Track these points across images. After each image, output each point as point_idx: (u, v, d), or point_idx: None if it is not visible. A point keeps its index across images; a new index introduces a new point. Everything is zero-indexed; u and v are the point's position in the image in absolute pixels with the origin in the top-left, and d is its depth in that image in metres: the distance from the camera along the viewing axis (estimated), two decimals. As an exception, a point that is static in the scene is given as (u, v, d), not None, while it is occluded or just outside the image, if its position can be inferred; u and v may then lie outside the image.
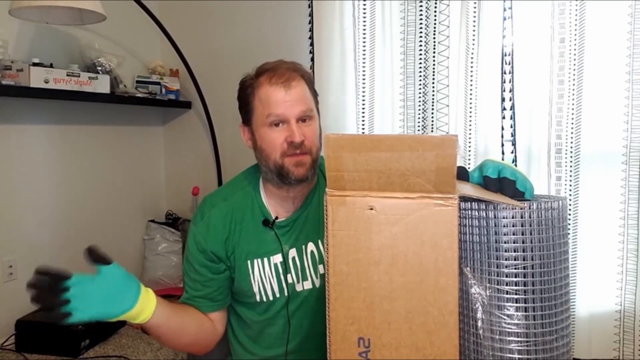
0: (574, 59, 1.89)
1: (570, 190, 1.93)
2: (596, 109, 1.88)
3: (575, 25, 1.88)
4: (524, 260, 0.70)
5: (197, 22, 2.67)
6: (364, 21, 2.18)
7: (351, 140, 0.69)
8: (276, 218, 1.35)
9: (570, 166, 1.92)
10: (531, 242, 0.70)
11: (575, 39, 1.89)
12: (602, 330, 1.90)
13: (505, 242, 0.71)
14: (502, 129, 2.01)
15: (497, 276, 0.71)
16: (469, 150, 2.06)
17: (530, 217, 0.70)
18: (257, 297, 1.37)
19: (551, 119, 1.94)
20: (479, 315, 0.72)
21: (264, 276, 1.35)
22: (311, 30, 2.30)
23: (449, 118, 2.08)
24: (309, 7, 2.29)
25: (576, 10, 1.88)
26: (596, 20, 1.86)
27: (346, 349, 0.74)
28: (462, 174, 0.88)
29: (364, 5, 2.18)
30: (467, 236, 0.74)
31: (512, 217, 0.71)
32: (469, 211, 0.74)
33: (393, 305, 0.71)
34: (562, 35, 1.91)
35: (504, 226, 0.71)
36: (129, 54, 2.57)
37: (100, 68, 2.25)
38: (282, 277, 1.35)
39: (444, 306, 0.69)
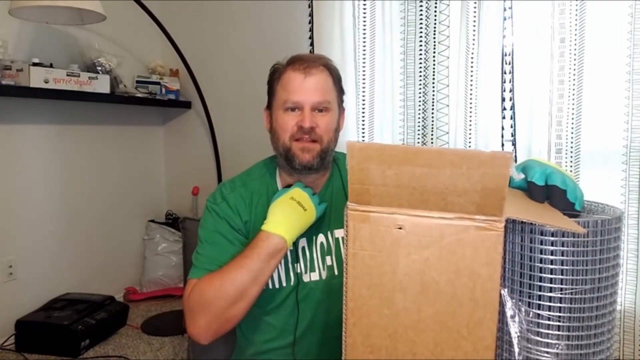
0: (574, 59, 1.79)
1: (570, 190, 1.82)
2: (596, 109, 1.78)
3: (575, 25, 1.79)
4: (572, 284, 0.57)
5: (197, 22, 2.57)
6: (364, 21, 2.07)
7: (379, 151, 0.56)
8: None
9: (571, 166, 1.82)
10: (584, 265, 0.57)
11: (575, 39, 1.79)
12: (602, 329, 1.80)
13: (551, 263, 0.58)
14: (502, 129, 1.91)
15: (539, 300, 0.58)
16: (469, 150, 1.96)
17: (585, 238, 0.56)
18: None
19: (551, 119, 1.84)
20: (515, 341, 0.59)
21: None
22: (311, 30, 2.19)
23: (449, 118, 1.97)
24: (309, 7, 2.19)
25: (576, 10, 1.78)
26: (596, 20, 1.76)
27: (364, 378, 0.62)
28: None
29: (364, 5, 2.06)
30: (507, 253, 0.61)
31: (562, 236, 0.57)
32: (510, 224, 0.60)
33: (420, 336, 0.59)
34: (562, 35, 1.81)
35: (552, 244, 0.57)
36: (129, 54, 2.47)
37: (100, 68, 2.16)
38: (290, 265, 1.29)
39: (479, 341, 0.57)
